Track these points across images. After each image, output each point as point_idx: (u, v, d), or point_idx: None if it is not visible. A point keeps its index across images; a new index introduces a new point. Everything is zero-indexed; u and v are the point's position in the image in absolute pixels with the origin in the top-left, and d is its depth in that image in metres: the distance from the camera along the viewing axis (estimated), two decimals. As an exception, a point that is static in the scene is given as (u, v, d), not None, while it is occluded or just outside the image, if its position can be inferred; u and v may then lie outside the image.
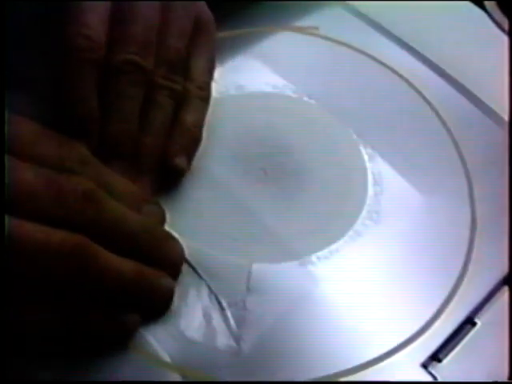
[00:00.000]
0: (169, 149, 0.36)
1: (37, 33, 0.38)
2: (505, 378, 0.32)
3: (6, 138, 0.29)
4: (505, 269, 0.36)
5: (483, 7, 0.49)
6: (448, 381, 0.32)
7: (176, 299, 0.33)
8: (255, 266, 0.34)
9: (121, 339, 0.31)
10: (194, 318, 0.32)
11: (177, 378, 0.31)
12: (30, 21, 0.39)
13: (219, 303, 0.33)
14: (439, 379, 0.32)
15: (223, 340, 0.32)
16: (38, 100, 0.35)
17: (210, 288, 0.33)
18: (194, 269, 0.34)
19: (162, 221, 0.34)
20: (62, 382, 0.30)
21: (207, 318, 0.32)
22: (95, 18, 0.34)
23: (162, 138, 0.35)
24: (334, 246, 0.35)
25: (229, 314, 0.32)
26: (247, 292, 0.33)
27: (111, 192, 0.31)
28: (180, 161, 0.36)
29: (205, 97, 0.38)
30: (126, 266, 0.30)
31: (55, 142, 0.30)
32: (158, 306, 0.32)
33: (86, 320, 0.30)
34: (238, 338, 0.32)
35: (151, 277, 0.31)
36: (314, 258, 0.35)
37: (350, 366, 0.32)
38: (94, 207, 0.29)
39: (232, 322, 0.32)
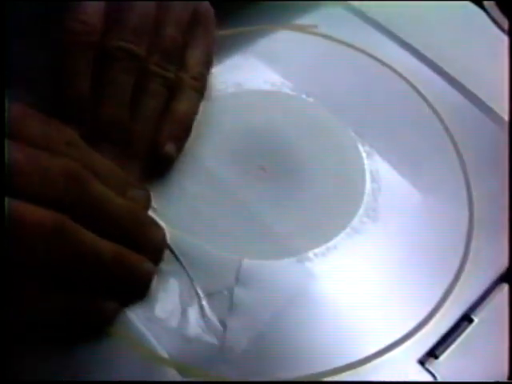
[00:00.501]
0: (159, 136, 0.36)
1: (37, 33, 0.38)
2: (504, 377, 0.32)
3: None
4: (501, 267, 0.36)
5: (483, 7, 0.49)
6: (446, 380, 0.32)
7: (155, 285, 0.33)
8: (252, 262, 0.34)
9: (99, 326, 0.31)
10: (171, 305, 0.32)
11: (159, 368, 0.31)
12: (29, 21, 0.39)
13: (196, 293, 0.33)
14: (436, 375, 0.32)
15: (198, 330, 0.32)
16: (38, 100, 0.35)
17: (189, 276, 0.33)
18: (176, 256, 0.34)
19: (147, 206, 0.34)
20: (61, 381, 0.30)
21: (184, 306, 0.32)
22: (92, 5, 0.35)
23: (152, 125, 0.36)
24: (331, 243, 0.35)
25: (205, 304, 0.32)
26: (236, 284, 0.33)
27: (97, 174, 0.31)
28: (169, 148, 0.36)
29: (199, 87, 0.38)
30: (106, 247, 0.30)
31: (43, 123, 0.31)
32: (136, 290, 0.32)
33: (64, 305, 0.30)
34: (219, 330, 0.32)
35: (131, 260, 0.31)
36: (311, 254, 0.35)
37: (347, 362, 0.32)
38: (78, 187, 0.29)
39: (209, 312, 0.32)
